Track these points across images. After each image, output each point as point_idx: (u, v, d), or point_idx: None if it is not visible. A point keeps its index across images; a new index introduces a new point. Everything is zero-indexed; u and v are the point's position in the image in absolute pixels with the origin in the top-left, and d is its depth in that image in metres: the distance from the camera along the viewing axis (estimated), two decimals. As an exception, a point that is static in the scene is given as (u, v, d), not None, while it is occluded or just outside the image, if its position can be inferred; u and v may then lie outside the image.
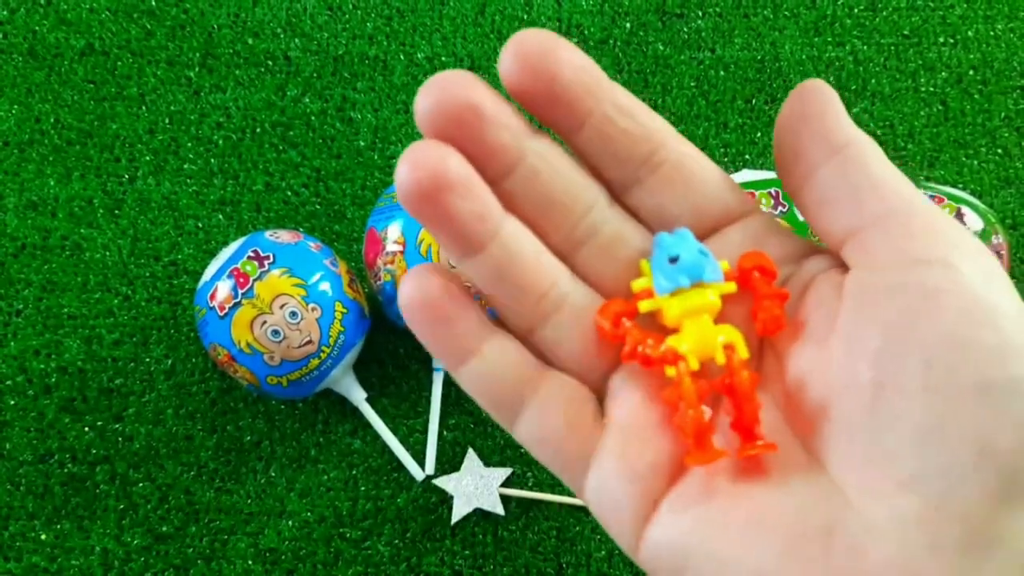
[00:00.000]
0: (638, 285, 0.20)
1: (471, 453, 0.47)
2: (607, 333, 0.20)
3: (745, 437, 0.19)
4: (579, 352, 0.20)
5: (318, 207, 0.53)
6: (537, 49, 0.18)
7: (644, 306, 0.20)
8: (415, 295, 0.19)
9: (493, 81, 0.18)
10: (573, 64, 0.19)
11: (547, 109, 0.19)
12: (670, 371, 0.19)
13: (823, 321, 0.19)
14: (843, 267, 0.19)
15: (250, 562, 0.46)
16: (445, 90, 0.18)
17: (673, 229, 0.20)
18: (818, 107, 0.19)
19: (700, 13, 0.57)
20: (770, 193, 0.47)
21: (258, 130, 0.54)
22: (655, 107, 0.54)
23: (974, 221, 0.45)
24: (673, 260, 0.19)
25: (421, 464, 0.48)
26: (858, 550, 0.17)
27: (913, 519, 0.16)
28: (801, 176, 0.20)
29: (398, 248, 0.44)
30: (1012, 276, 0.51)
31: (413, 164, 0.18)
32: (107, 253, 0.51)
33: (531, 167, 0.19)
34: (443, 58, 0.56)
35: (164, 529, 0.46)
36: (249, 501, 0.47)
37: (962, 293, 0.17)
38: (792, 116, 0.20)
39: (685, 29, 0.57)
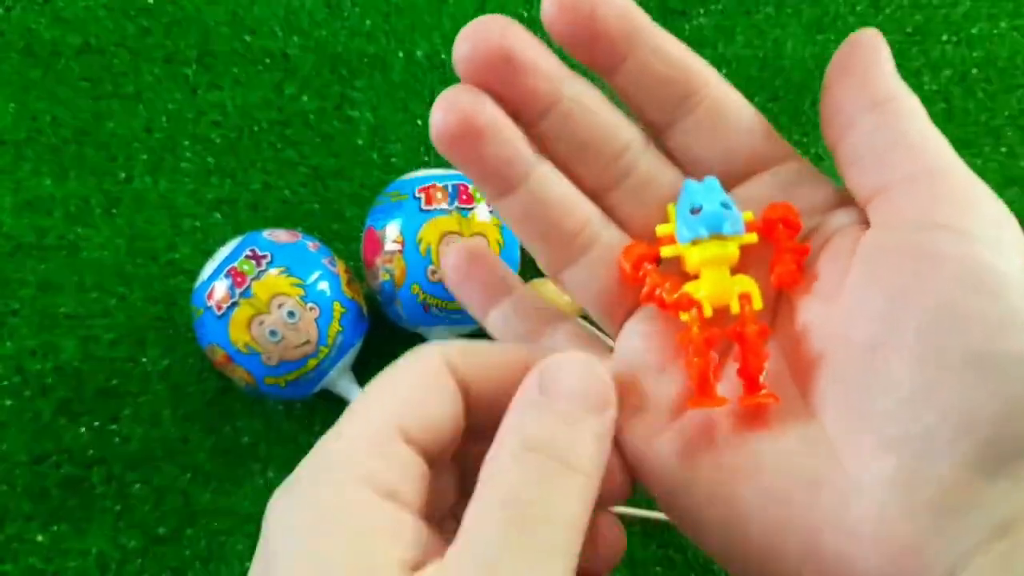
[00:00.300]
0: (662, 230, 0.20)
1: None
2: (627, 275, 0.20)
3: (749, 386, 0.19)
4: (604, 292, 0.21)
5: (316, 206, 0.52)
6: None
7: (665, 252, 0.20)
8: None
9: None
10: (611, 8, 0.19)
11: (585, 51, 0.19)
12: (684, 316, 0.20)
13: (834, 277, 0.19)
14: (867, 223, 0.19)
15: (248, 564, 0.46)
16: (481, 37, 0.19)
17: (703, 176, 0.21)
18: (862, 60, 0.19)
19: (702, 10, 0.57)
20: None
21: (256, 128, 0.54)
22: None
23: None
24: (696, 210, 0.20)
25: (420, 465, 0.47)
26: (841, 504, 0.17)
27: (891, 480, 0.17)
28: (839, 130, 0.20)
29: (397, 247, 0.44)
30: (1016, 276, 0.51)
31: (447, 109, 0.19)
32: (103, 252, 0.51)
33: (565, 110, 0.20)
34: (443, 56, 0.56)
35: (161, 531, 0.46)
36: (246, 503, 0.46)
37: (968, 261, 0.17)
38: (837, 67, 0.20)
39: (687, 27, 0.56)
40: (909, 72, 0.56)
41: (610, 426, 0.18)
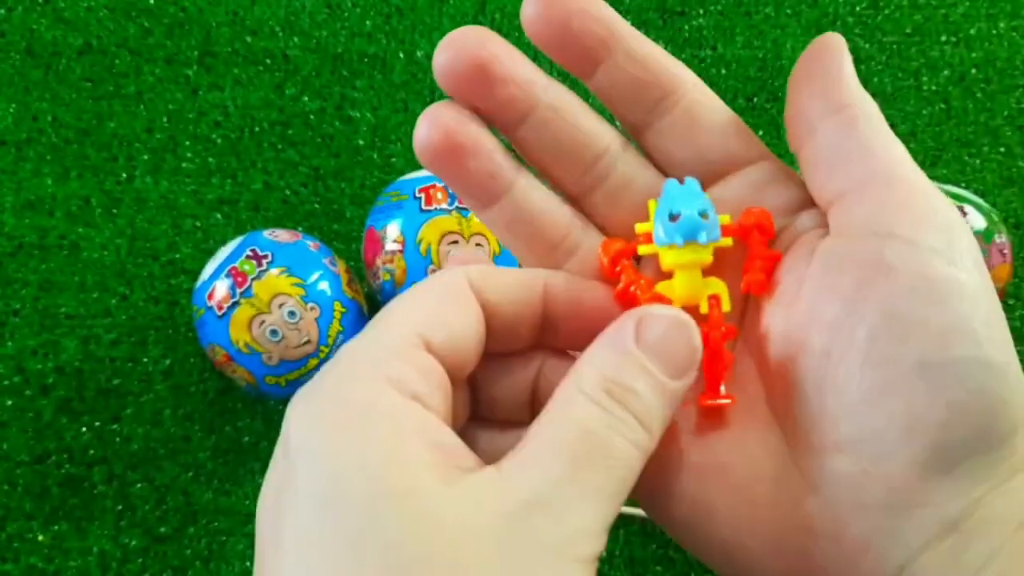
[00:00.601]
0: (641, 228, 0.21)
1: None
2: (605, 269, 0.21)
3: (708, 387, 0.20)
4: None
5: (317, 206, 0.52)
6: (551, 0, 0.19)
7: (642, 250, 0.21)
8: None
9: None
10: (587, 14, 0.20)
11: (562, 56, 0.20)
12: None
13: (793, 283, 0.19)
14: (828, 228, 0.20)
15: (248, 563, 0.46)
16: (458, 49, 0.19)
17: (681, 176, 0.21)
18: (822, 66, 0.19)
19: (701, 11, 0.57)
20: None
21: (256, 129, 0.54)
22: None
23: (977, 220, 0.45)
24: (675, 217, 0.20)
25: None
26: (799, 502, 0.18)
27: (843, 479, 0.18)
28: (800, 137, 0.20)
29: (397, 247, 0.44)
30: (1015, 276, 0.51)
31: (430, 124, 0.20)
32: (105, 252, 0.51)
33: (542, 118, 0.20)
34: (443, 56, 0.56)
35: (162, 530, 0.46)
36: (247, 502, 0.47)
37: (916, 271, 0.17)
38: (799, 73, 0.20)
39: (686, 27, 0.57)
40: (908, 72, 0.56)
41: (684, 391, 0.18)
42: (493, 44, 0.20)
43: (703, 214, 0.20)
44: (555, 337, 0.21)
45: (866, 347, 0.17)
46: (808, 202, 0.21)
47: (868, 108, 0.19)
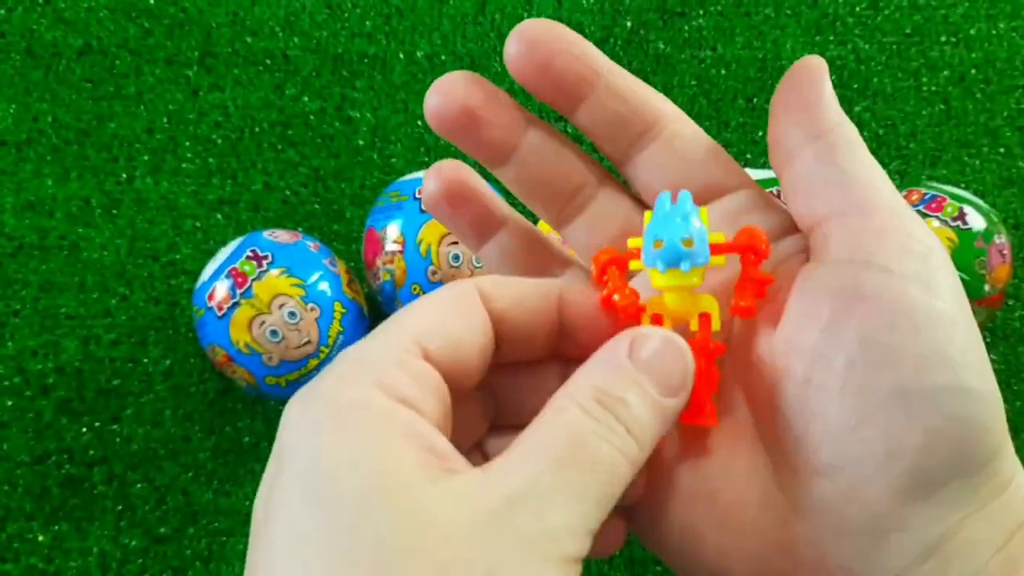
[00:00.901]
0: (633, 242, 0.21)
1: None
2: (594, 277, 0.21)
3: (693, 405, 0.20)
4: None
5: (317, 207, 0.52)
6: (533, 40, 0.20)
7: (634, 265, 0.21)
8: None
9: (496, 78, 0.20)
10: (567, 54, 0.20)
11: (544, 94, 0.21)
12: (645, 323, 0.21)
13: (775, 309, 0.20)
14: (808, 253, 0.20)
15: (249, 564, 0.46)
16: (446, 94, 0.21)
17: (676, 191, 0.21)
18: (802, 92, 0.20)
19: (701, 11, 0.57)
20: (772, 193, 0.47)
21: (257, 129, 0.54)
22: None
23: (977, 221, 0.45)
24: (659, 243, 0.20)
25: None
26: (783, 527, 0.19)
27: (826, 504, 0.18)
28: (780, 162, 0.20)
29: (397, 248, 0.44)
30: (1015, 276, 0.51)
31: (436, 178, 0.22)
32: (105, 253, 0.51)
33: (524, 156, 0.22)
34: (442, 57, 0.56)
35: (162, 531, 0.46)
36: (247, 503, 0.47)
37: (893, 299, 0.17)
38: (779, 98, 0.20)
39: (686, 27, 0.57)
40: (908, 72, 0.56)
41: (677, 410, 0.19)
42: (480, 89, 0.21)
43: (687, 241, 0.19)
44: (573, 347, 0.21)
45: (844, 375, 0.18)
46: (791, 228, 0.21)
47: (848, 133, 0.19)
